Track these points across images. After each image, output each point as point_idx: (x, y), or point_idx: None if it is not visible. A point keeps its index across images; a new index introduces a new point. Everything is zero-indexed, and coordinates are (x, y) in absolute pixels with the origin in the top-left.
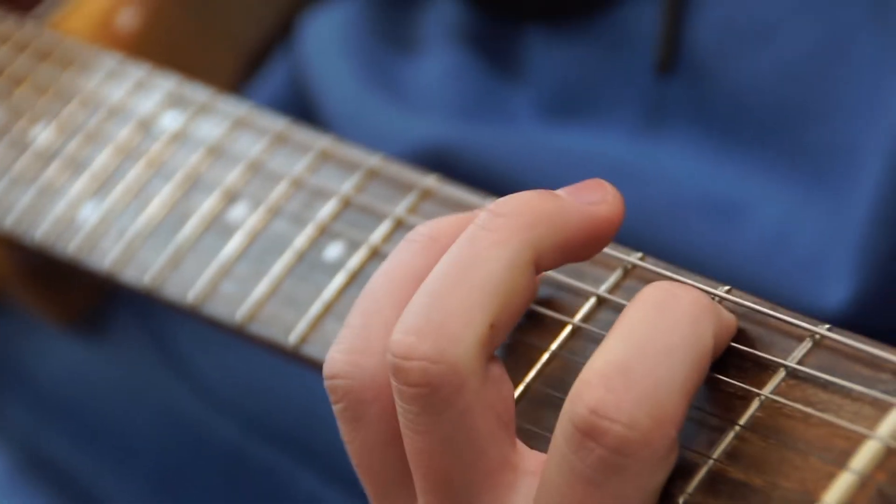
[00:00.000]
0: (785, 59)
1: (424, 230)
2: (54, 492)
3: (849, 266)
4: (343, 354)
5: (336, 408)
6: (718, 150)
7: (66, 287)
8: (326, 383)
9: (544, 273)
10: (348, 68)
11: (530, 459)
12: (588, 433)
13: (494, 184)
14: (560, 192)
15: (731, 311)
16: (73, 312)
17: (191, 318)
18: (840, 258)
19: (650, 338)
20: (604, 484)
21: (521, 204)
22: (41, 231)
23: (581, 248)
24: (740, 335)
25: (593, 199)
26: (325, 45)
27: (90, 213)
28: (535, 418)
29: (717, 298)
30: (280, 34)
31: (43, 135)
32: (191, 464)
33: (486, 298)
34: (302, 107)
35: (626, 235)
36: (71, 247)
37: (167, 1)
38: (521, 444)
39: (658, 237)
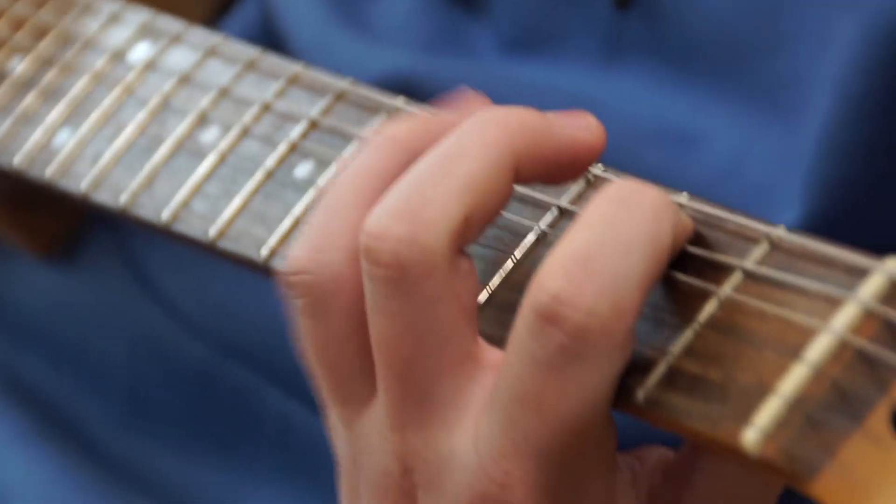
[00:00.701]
0: None
1: (387, 131)
2: (34, 414)
3: (798, 192)
4: (306, 251)
5: (298, 303)
6: (674, 84)
7: (43, 216)
8: (288, 279)
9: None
10: (316, 5)
11: (491, 354)
12: (549, 319)
13: None
14: (549, 113)
15: (691, 218)
16: (50, 241)
17: (163, 244)
18: (790, 185)
19: (612, 231)
20: (562, 370)
21: (511, 114)
22: (18, 157)
23: (559, 168)
24: (699, 239)
25: (578, 126)
26: None
27: (66, 139)
28: (500, 323)
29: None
30: None
31: (20, 67)
32: (163, 383)
33: (465, 193)
34: (271, 43)
35: None
36: (47, 171)
37: None
38: (482, 340)
39: (615, 166)
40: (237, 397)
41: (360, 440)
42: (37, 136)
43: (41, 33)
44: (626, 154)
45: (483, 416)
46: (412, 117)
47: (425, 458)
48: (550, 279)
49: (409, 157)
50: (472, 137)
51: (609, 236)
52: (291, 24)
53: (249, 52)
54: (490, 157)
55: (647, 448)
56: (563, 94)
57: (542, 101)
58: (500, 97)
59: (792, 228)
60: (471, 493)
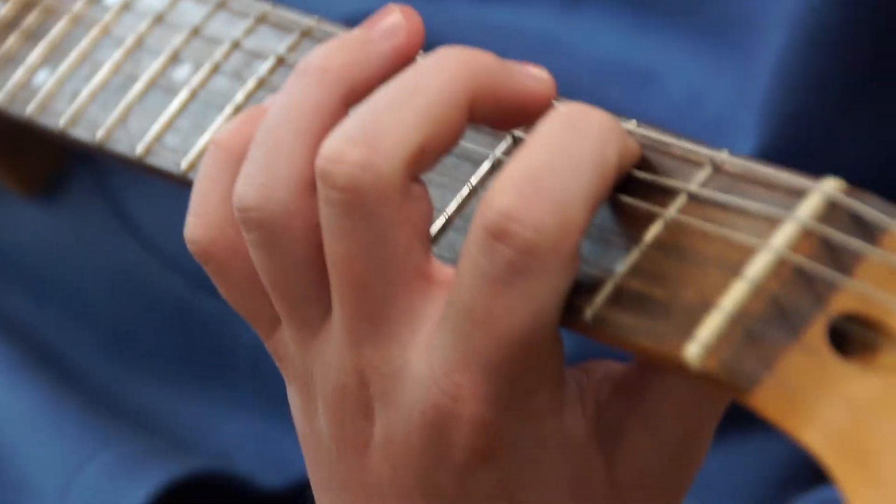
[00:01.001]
0: None
1: (315, 61)
2: (20, 346)
3: (753, 126)
4: (252, 188)
5: (251, 237)
6: (633, 23)
7: (25, 156)
8: (239, 216)
9: None
10: None
11: (443, 272)
12: (498, 236)
13: None
14: (506, 61)
15: (639, 144)
16: (33, 180)
17: (141, 182)
18: (745, 119)
19: (559, 151)
20: (511, 285)
21: (472, 54)
22: (0, 96)
23: (509, 113)
24: (646, 163)
25: (533, 76)
26: None
27: (45, 79)
28: (454, 247)
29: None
30: None
31: (2, 11)
32: (143, 316)
33: (421, 123)
34: None
35: None
36: (27, 109)
37: None
38: (435, 259)
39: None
40: (213, 329)
41: (316, 359)
42: (18, 75)
43: None
44: (589, 92)
45: (435, 331)
46: (338, 42)
47: (381, 372)
48: (500, 197)
49: (343, 89)
50: (433, 72)
51: (557, 156)
52: None
53: None
54: (448, 91)
55: (594, 362)
56: (528, 36)
57: (508, 42)
58: (466, 39)
59: (736, 154)
60: (424, 405)
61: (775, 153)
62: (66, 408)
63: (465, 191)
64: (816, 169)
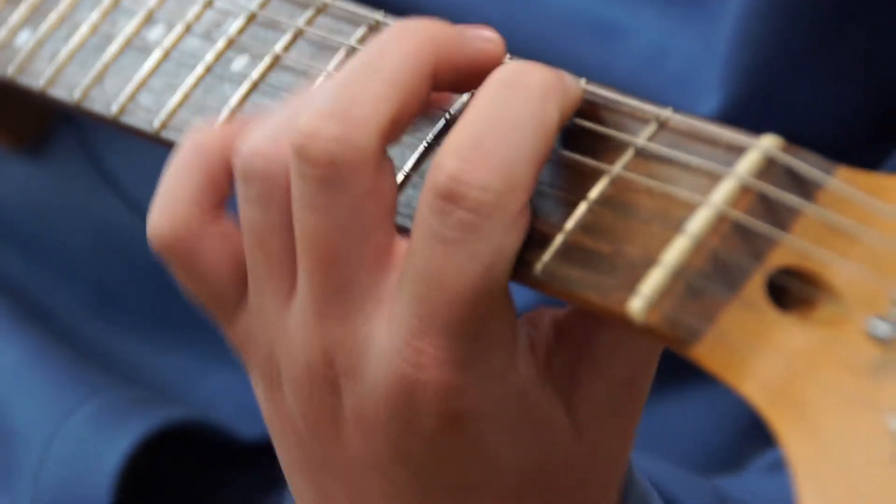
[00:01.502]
0: None
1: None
2: (8, 301)
3: (717, 80)
4: (267, 141)
5: (248, 190)
6: None
7: (13, 113)
8: (243, 164)
9: None
10: None
11: (402, 247)
12: (447, 198)
13: None
14: (457, 26)
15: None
16: (21, 136)
17: (123, 141)
18: (710, 73)
19: (500, 112)
20: (462, 244)
21: (428, 24)
22: None
23: (467, 76)
24: (594, 119)
25: (484, 37)
26: None
27: (26, 39)
28: (411, 204)
29: None
30: None
31: None
32: (126, 272)
33: (391, 94)
34: None
35: (519, 55)
36: (9, 69)
37: None
38: (397, 235)
39: (546, 57)
40: None
41: (280, 338)
42: (0, 36)
43: None
44: (557, 45)
45: (395, 300)
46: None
47: (346, 348)
48: (447, 160)
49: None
50: (397, 43)
51: (498, 118)
52: None
53: None
54: (413, 62)
55: (538, 311)
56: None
57: None
58: None
59: (689, 111)
60: (389, 376)
61: (740, 110)
62: (53, 360)
63: (421, 148)
64: (779, 123)
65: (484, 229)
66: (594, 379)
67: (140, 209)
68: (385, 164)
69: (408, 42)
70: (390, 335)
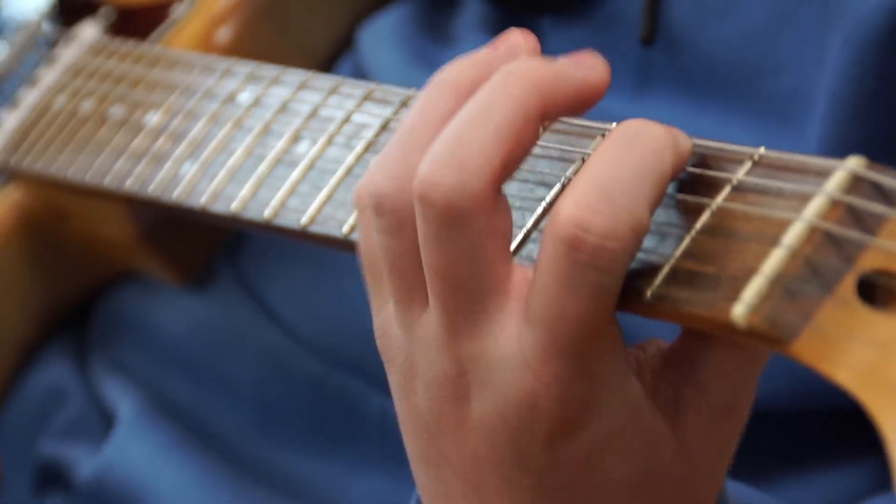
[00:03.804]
0: (744, 25)
1: (449, 77)
2: (178, 426)
3: None
4: (388, 179)
5: (379, 222)
6: (695, 104)
7: (179, 252)
8: (370, 200)
9: None
10: (398, 57)
11: (522, 272)
12: (569, 241)
13: None
14: (561, 60)
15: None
16: (185, 271)
17: (278, 272)
18: None
19: (621, 163)
20: (584, 283)
21: (531, 67)
22: (152, 187)
23: (576, 106)
24: (697, 164)
25: (588, 67)
26: (380, 41)
27: (188, 168)
28: (531, 257)
29: None
30: (346, 43)
31: (153, 119)
32: (283, 394)
33: (501, 142)
34: None
35: None
36: (174, 195)
37: (255, 20)
38: (514, 263)
39: None
40: (345, 399)
41: (419, 344)
42: (166, 168)
43: (170, 90)
44: None
45: (522, 324)
46: (464, 61)
47: (478, 363)
48: (569, 207)
49: (463, 98)
50: (503, 92)
51: (618, 168)
52: (379, 75)
53: (333, 80)
54: (519, 109)
55: (647, 341)
56: (604, 118)
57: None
58: None
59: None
60: (517, 388)
61: None
62: (220, 480)
63: (539, 210)
64: None
65: (604, 270)
66: (699, 403)
67: (297, 334)
68: (499, 202)
69: (514, 88)
70: (521, 353)
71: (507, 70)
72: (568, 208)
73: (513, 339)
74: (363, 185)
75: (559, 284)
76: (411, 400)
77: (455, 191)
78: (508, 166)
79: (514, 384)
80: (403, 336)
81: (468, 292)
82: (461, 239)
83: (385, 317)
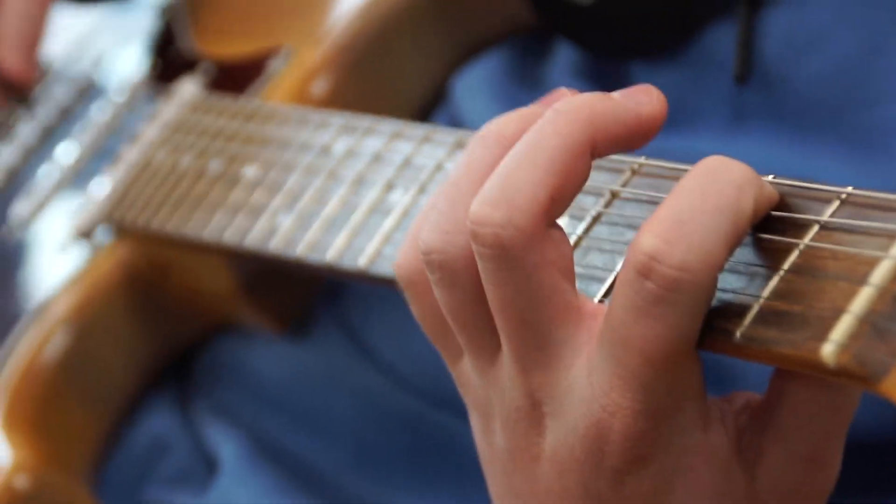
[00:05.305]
0: (835, 59)
1: (494, 128)
2: (278, 468)
3: None
4: (437, 234)
5: (433, 278)
6: (790, 141)
7: (278, 303)
8: (424, 259)
9: None
10: (492, 106)
11: (589, 304)
12: (645, 274)
13: None
14: (615, 94)
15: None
16: (284, 321)
17: (377, 316)
18: None
19: (700, 198)
20: (657, 316)
21: (582, 103)
22: (249, 239)
23: (629, 140)
24: (784, 205)
25: (641, 101)
26: (474, 90)
27: (284, 219)
28: (584, 263)
29: None
30: (440, 93)
31: (250, 171)
32: (384, 434)
33: (547, 177)
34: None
35: None
36: (271, 246)
37: (350, 73)
38: (582, 294)
39: None
40: (442, 437)
41: (493, 385)
42: (263, 221)
43: (266, 143)
44: None
45: (594, 356)
46: (513, 114)
47: (550, 394)
48: (646, 240)
49: (508, 149)
50: (552, 128)
51: (697, 203)
52: (473, 123)
53: (425, 129)
54: (567, 145)
55: (735, 393)
56: (697, 157)
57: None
58: None
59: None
60: (589, 420)
61: None
62: None
63: (588, 217)
64: None
65: (678, 304)
66: (779, 451)
67: (396, 375)
68: (552, 236)
69: (562, 124)
70: (591, 385)
71: (555, 107)
72: (642, 238)
73: (583, 368)
74: (404, 254)
75: (626, 313)
76: (490, 440)
77: (503, 228)
78: (558, 200)
79: (583, 414)
80: (480, 380)
81: (531, 324)
82: (516, 273)
83: (461, 368)
